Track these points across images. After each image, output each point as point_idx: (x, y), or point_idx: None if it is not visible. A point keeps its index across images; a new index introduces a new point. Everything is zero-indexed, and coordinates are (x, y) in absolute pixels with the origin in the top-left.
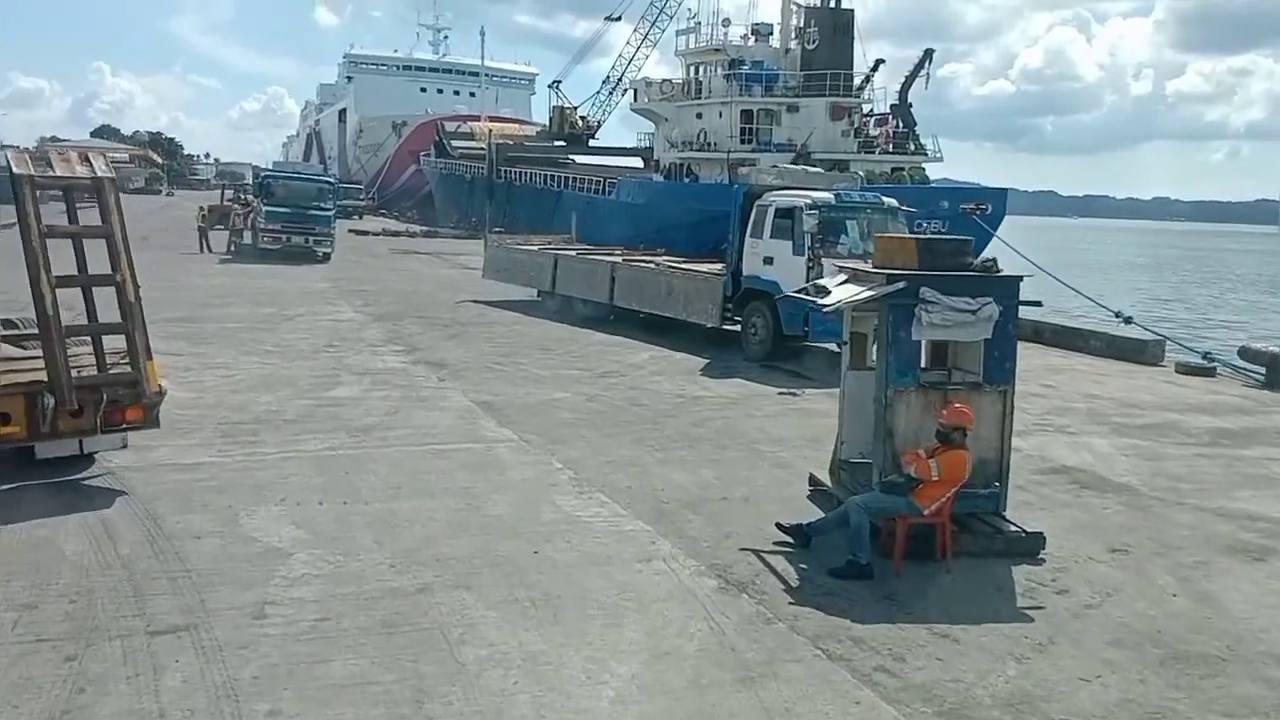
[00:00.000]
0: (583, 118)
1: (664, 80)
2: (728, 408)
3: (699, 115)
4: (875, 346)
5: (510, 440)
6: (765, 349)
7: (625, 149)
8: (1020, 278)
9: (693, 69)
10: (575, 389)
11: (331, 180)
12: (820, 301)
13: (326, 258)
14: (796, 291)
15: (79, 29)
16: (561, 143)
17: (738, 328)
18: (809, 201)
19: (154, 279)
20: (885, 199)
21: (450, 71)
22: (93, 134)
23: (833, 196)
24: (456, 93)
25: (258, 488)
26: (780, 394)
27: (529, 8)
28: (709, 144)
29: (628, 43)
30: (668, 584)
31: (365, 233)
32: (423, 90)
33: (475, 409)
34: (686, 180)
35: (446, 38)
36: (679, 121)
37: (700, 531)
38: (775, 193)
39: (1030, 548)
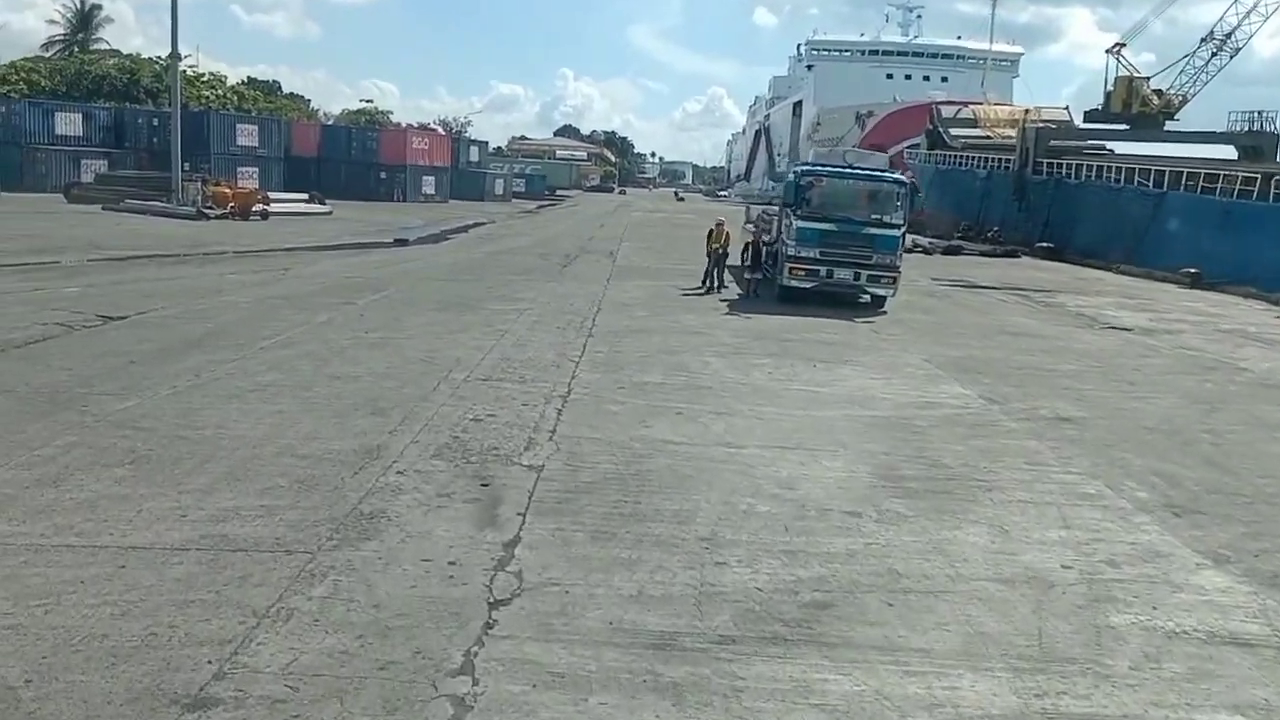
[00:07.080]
0: (1157, 91)
1: None
2: None
3: None
4: None
5: None
6: None
7: (1208, 133)
8: None
9: None
10: None
11: (904, 180)
12: None
13: (880, 304)
14: None
15: (551, 40)
16: (1124, 125)
17: None
18: None
19: (652, 367)
20: None
21: (920, 55)
22: (555, 133)
23: None
24: (926, 78)
25: None
26: None
27: None
28: None
29: None
30: None
31: None
32: (888, 76)
33: None
34: None
35: (919, 17)
36: None
37: None
38: None
39: None
